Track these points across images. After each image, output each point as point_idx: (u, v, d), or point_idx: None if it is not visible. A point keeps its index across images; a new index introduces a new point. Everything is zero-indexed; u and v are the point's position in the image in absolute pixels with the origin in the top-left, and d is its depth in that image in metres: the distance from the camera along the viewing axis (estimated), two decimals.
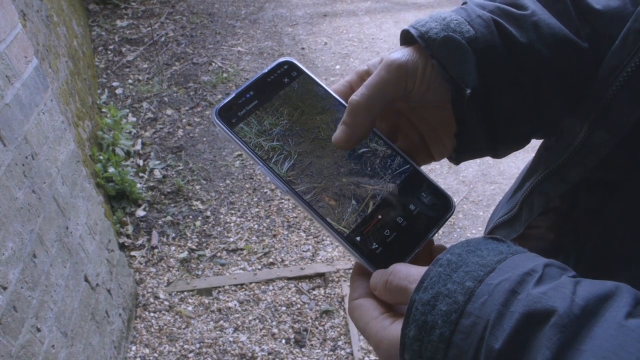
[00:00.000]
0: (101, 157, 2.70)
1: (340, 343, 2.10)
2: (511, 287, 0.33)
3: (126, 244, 2.56)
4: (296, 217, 2.68)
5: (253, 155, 0.49)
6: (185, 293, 2.33)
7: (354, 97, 0.45)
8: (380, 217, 0.47)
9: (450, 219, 2.83)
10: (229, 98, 0.52)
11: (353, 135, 0.46)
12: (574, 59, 0.46)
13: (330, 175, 0.49)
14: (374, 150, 0.50)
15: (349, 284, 0.56)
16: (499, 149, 0.50)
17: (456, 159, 0.51)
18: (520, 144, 0.51)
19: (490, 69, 0.45)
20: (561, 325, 0.30)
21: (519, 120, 0.48)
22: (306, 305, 2.25)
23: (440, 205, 0.48)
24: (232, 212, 2.74)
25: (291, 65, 0.54)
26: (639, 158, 0.44)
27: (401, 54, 0.46)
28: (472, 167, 3.00)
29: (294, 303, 2.26)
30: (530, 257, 0.37)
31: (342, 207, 0.48)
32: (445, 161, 3.02)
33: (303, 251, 2.50)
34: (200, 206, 2.78)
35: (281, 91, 0.53)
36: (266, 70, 0.53)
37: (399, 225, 0.47)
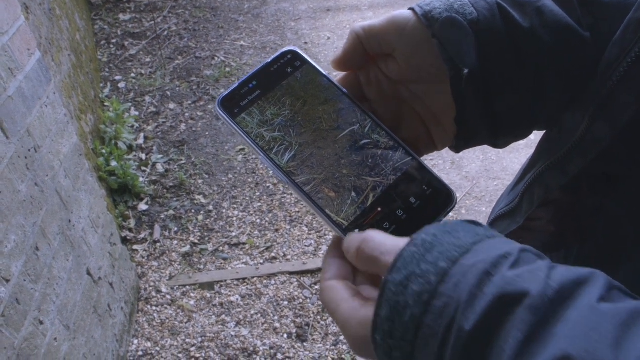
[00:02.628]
0: (103, 151, 2.70)
1: (342, 338, 2.10)
2: (485, 268, 0.33)
3: (128, 237, 2.56)
4: (298, 212, 2.68)
5: (254, 146, 0.49)
6: (188, 287, 2.33)
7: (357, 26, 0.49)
8: (380, 209, 0.47)
9: (451, 215, 2.79)
10: (232, 88, 0.51)
11: (343, 53, 0.50)
12: (575, 48, 0.46)
13: (331, 167, 0.49)
14: (375, 142, 0.50)
15: None
16: (499, 138, 0.50)
17: (456, 146, 0.51)
18: (521, 134, 0.51)
19: (491, 52, 0.45)
20: (534, 307, 0.30)
21: (519, 108, 0.48)
22: (308, 300, 2.25)
23: (442, 199, 0.48)
24: (235, 206, 2.75)
25: (295, 55, 0.53)
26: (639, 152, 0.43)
27: (406, 12, 0.48)
28: (475, 162, 2.99)
29: (296, 298, 2.26)
30: (506, 241, 0.36)
31: (341, 199, 0.47)
32: (448, 157, 3.01)
33: (305, 246, 2.50)
34: (203, 200, 2.78)
35: (284, 81, 0.52)
36: (269, 60, 0.53)
37: (399, 218, 0.47)
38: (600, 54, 0.45)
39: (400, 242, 0.38)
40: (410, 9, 0.48)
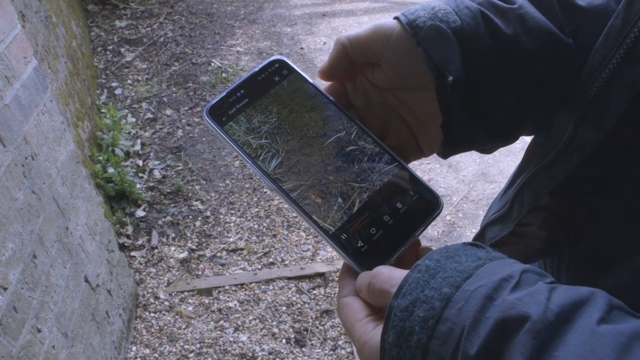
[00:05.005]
0: (101, 158, 2.70)
1: (340, 342, 2.10)
2: (487, 293, 0.34)
3: (126, 244, 2.56)
4: (296, 217, 2.68)
5: (242, 153, 0.50)
6: (186, 293, 2.33)
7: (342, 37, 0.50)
8: (366, 215, 0.47)
9: (449, 218, 2.78)
10: (220, 97, 0.52)
11: (329, 64, 0.50)
12: (558, 54, 0.47)
13: (318, 173, 0.49)
14: (361, 148, 0.51)
15: None
16: (486, 143, 0.51)
17: (443, 153, 0.51)
18: (508, 139, 0.51)
19: (475, 59, 0.46)
20: (535, 331, 0.30)
21: (505, 114, 0.48)
22: (306, 305, 2.25)
23: (428, 204, 0.48)
24: (232, 212, 2.75)
25: (282, 64, 0.54)
26: (632, 155, 0.44)
27: (390, 21, 0.49)
28: (472, 166, 3.00)
29: (294, 303, 2.26)
30: (508, 263, 0.37)
31: (328, 204, 0.48)
32: (444, 161, 3.01)
33: (303, 251, 2.50)
34: (200, 206, 2.78)
35: (271, 89, 0.53)
36: (257, 69, 0.54)
37: (385, 223, 0.47)
38: (583, 59, 0.46)
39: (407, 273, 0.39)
40: (395, 17, 0.49)
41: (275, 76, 0.53)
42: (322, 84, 0.54)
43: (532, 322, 0.31)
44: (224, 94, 0.52)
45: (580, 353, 0.29)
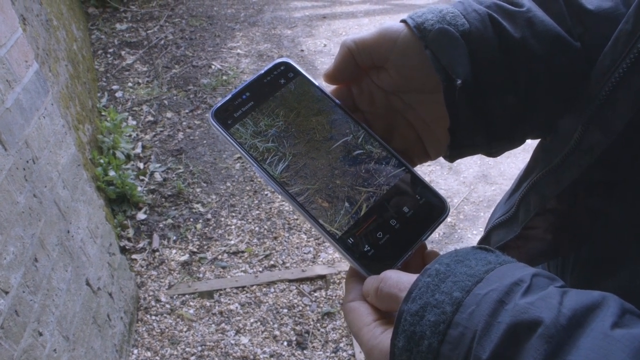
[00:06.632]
0: (102, 161, 2.70)
1: (342, 345, 2.10)
2: (499, 297, 0.33)
3: (127, 247, 2.56)
4: (297, 220, 2.68)
5: (248, 157, 0.49)
6: (187, 296, 2.33)
7: (348, 39, 0.50)
8: (373, 219, 0.47)
9: (450, 220, 2.78)
10: (225, 99, 0.52)
11: (335, 67, 0.50)
12: (566, 58, 0.47)
13: (324, 177, 0.49)
14: (368, 152, 0.50)
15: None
16: (493, 147, 0.51)
17: (450, 156, 0.51)
18: (514, 142, 0.51)
19: (483, 62, 0.46)
20: (548, 335, 0.30)
21: (512, 117, 0.48)
22: (308, 307, 2.25)
23: (434, 208, 0.48)
24: (233, 214, 2.74)
25: (288, 67, 0.54)
26: (637, 158, 0.44)
27: (397, 24, 0.49)
28: (473, 168, 3.00)
29: (295, 305, 2.26)
30: (518, 267, 0.37)
31: (335, 209, 0.48)
32: (445, 163, 3.02)
33: (304, 253, 2.50)
34: (201, 209, 2.78)
35: (277, 92, 0.52)
36: (263, 72, 0.53)
37: (392, 227, 0.47)
38: (591, 63, 0.46)
39: (416, 277, 0.39)
40: (402, 20, 0.48)
41: (281, 79, 0.53)
42: (328, 87, 0.54)
43: (545, 326, 0.31)
44: (229, 96, 0.52)
45: (594, 357, 0.28)
